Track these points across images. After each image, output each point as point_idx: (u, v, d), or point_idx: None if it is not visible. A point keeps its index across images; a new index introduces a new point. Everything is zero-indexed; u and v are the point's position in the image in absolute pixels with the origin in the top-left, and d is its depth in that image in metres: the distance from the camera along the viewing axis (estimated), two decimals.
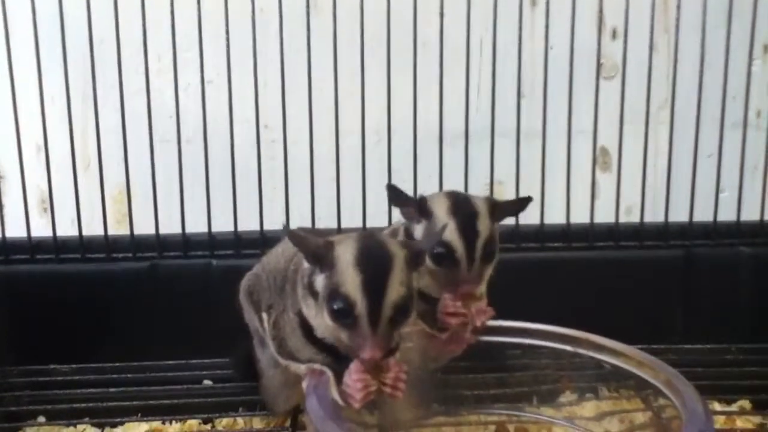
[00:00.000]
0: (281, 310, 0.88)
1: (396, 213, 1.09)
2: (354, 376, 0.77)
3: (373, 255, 0.76)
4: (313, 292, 0.79)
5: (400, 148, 1.28)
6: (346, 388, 0.79)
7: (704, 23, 1.25)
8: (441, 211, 0.88)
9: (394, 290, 0.74)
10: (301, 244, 0.78)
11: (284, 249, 0.94)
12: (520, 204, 0.94)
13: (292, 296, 0.85)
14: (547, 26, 1.25)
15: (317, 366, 0.84)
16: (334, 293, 0.75)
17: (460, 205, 0.88)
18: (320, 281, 0.77)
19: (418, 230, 0.90)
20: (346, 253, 0.76)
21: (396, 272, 0.75)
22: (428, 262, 0.86)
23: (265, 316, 0.92)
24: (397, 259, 0.76)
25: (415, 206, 0.89)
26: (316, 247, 0.77)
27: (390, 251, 0.77)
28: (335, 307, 0.75)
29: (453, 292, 0.88)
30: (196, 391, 1.16)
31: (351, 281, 0.74)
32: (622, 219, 1.30)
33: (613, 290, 1.25)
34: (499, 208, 0.91)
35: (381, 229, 1.04)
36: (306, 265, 0.80)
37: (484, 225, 0.87)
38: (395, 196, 0.91)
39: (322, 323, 0.78)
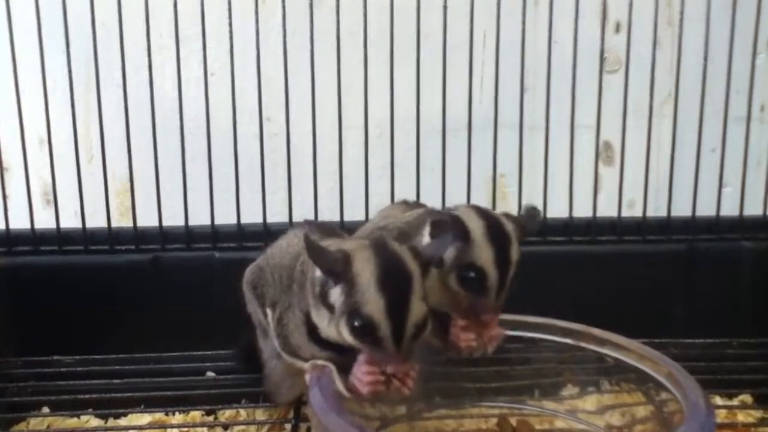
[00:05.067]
0: (286, 306, 0.88)
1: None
2: (363, 369, 0.78)
3: (394, 275, 0.75)
4: (326, 303, 0.78)
5: (402, 141, 1.28)
6: (354, 380, 0.79)
7: (708, 17, 1.24)
8: (478, 235, 0.84)
9: (416, 310, 0.74)
10: (318, 258, 0.77)
11: (289, 243, 0.93)
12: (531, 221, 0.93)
13: (299, 295, 0.84)
14: (550, 19, 1.25)
15: (320, 362, 0.84)
16: (356, 312, 0.74)
17: (496, 230, 0.85)
18: (337, 295, 0.77)
19: (452, 251, 0.85)
20: (365, 271, 0.75)
21: (416, 291, 0.75)
22: (453, 283, 0.85)
23: (269, 311, 0.92)
24: (416, 275, 0.76)
25: (454, 229, 0.84)
26: (333, 261, 0.76)
27: (409, 269, 0.76)
28: (356, 324, 0.74)
29: (473, 317, 0.87)
30: (199, 383, 1.17)
31: (374, 303, 0.74)
32: (625, 213, 1.30)
33: (615, 284, 1.25)
34: (522, 232, 0.89)
35: (418, 205, 1.02)
36: (318, 273, 0.79)
37: (514, 254, 0.85)
38: (442, 230, 0.84)
39: (335, 332, 0.78)
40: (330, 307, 0.78)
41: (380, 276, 0.75)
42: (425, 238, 0.87)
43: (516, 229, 0.87)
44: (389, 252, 0.78)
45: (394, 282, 0.75)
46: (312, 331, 0.82)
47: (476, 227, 0.85)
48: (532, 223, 0.93)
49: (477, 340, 0.88)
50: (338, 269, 0.76)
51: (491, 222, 0.86)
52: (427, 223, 0.89)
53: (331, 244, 0.82)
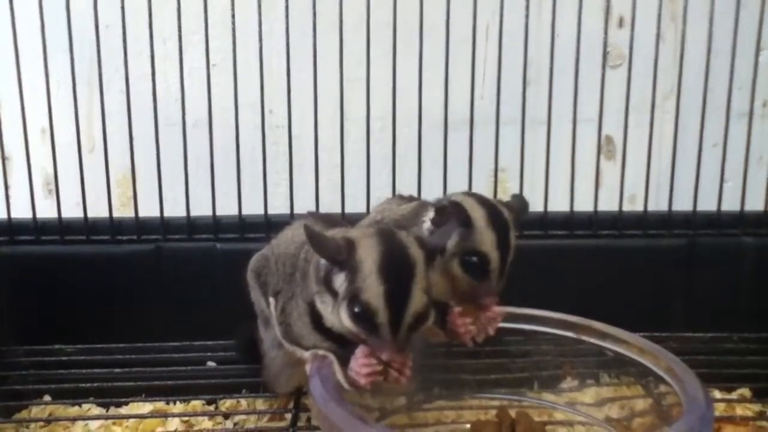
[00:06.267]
0: (289, 296, 0.88)
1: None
2: (360, 360, 0.78)
3: (396, 263, 0.75)
4: (330, 288, 0.78)
5: (404, 134, 1.28)
6: (350, 372, 0.79)
7: (712, 13, 1.25)
8: (480, 222, 0.86)
9: (416, 300, 0.75)
10: (320, 247, 0.77)
11: (294, 234, 0.94)
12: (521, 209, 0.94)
13: (302, 284, 0.85)
14: (553, 13, 1.25)
15: (321, 352, 0.84)
16: (356, 298, 0.75)
17: (496, 216, 0.87)
18: (340, 281, 0.77)
19: (454, 238, 0.87)
20: (368, 258, 0.75)
21: (418, 280, 0.75)
22: (456, 268, 0.86)
23: (272, 300, 0.93)
24: (419, 265, 0.76)
25: (456, 216, 0.86)
26: (335, 250, 0.76)
27: (412, 258, 0.76)
28: (356, 310, 0.75)
29: (472, 301, 0.88)
30: (199, 373, 1.17)
31: (374, 290, 0.74)
32: (626, 207, 1.31)
33: (616, 278, 1.26)
34: (517, 218, 0.90)
35: (412, 198, 1.02)
36: (323, 260, 0.79)
37: (512, 239, 0.87)
38: (444, 218, 0.86)
39: (336, 319, 0.78)
40: (334, 293, 0.78)
41: (383, 264, 0.75)
42: (424, 228, 0.88)
43: (512, 215, 0.89)
44: (394, 240, 0.78)
45: (397, 270, 0.75)
46: (316, 320, 0.83)
47: (477, 214, 0.86)
48: (524, 209, 0.94)
49: (476, 323, 0.89)
50: (341, 257, 0.76)
51: (491, 208, 0.87)
52: (423, 214, 0.90)
53: (336, 232, 0.82)
